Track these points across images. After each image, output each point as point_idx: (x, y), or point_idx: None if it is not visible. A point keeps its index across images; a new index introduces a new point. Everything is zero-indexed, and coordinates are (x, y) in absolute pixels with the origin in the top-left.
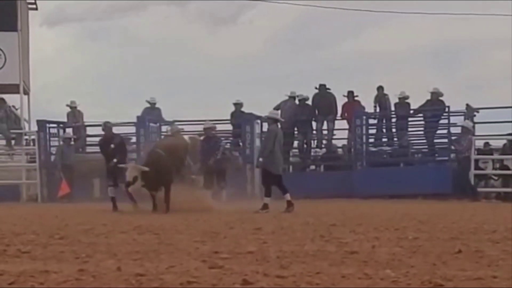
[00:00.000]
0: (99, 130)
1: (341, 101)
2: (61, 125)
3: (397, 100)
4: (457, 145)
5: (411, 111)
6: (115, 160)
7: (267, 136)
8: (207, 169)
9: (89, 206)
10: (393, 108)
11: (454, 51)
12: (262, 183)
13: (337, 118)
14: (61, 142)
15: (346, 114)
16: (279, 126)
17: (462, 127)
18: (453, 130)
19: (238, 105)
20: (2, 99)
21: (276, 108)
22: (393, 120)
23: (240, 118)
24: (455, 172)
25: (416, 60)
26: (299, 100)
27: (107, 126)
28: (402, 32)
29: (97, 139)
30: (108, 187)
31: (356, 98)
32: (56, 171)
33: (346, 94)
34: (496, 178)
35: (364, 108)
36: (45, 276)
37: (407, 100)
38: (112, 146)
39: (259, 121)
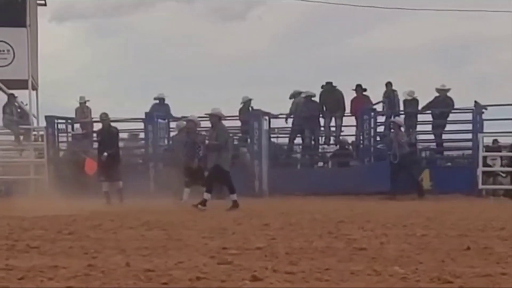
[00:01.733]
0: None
1: (349, 96)
2: (70, 121)
3: (407, 98)
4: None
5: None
6: (105, 153)
7: (221, 134)
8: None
9: (98, 201)
10: (401, 105)
11: (463, 48)
12: (207, 179)
13: (346, 114)
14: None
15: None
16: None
17: (393, 123)
18: (461, 127)
19: (247, 101)
20: (12, 95)
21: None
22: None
23: (247, 114)
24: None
25: (425, 57)
26: (305, 97)
27: (106, 118)
28: (410, 29)
29: None
30: (100, 182)
31: (365, 94)
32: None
33: (354, 88)
34: (504, 175)
35: (372, 103)
36: (54, 271)
37: (416, 97)
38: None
39: (267, 117)
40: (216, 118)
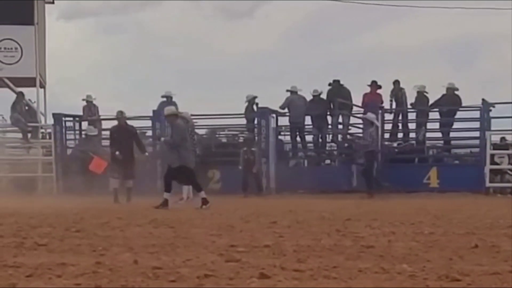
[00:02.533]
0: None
1: (362, 90)
2: (77, 119)
3: (415, 94)
4: (363, 140)
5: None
6: (117, 152)
7: (176, 132)
8: None
9: (105, 199)
10: (409, 103)
11: (471, 45)
12: (165, 179)
13: (353, 112)
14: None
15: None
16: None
17: (365, 119)
18: (468, 125)
19: (251, 99)
20: (21, 93)
21: (283, 107)
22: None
23: (252, 113)
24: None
25: (433, 55)
26: (313, 95)
27: (122, 116)
28: (418, 26)
29: None
30: (111, 178)
31: (378, 91)
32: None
33: (369, 83)
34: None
35: (382, 102)
36: (62, 268)
37: (426, 92)
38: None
39: (274, 115)
40: (172, 117)
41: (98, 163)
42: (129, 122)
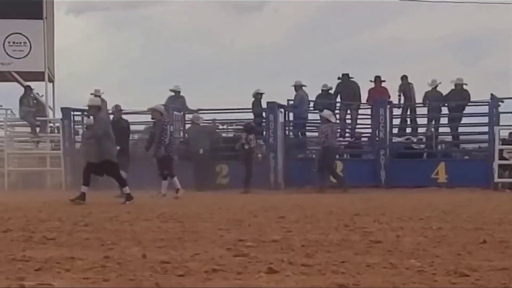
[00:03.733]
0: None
1: (367, 87)
2: (85, 113)
3: (429, 89)
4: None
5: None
6: (118, 147)
7: (99, 125)
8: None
9: (114, 193)
10: (417, 98)
11: (480, 40)
12: (84, 173)
13: (361, 105)
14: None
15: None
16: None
17: (321, 116)
18: (477, 120)
19: (257, 95)
20: (29, 87)
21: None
22: (419, 109)
23: (259, 107)
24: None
25: (441, 49)
26: (322, 90)
27: (116, 110)
28: (427, 21)
29: None
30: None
31: (383, 85)
32: None
33: (373, 79)
34: None
35: (389, 96)
36: (70, 262)
37: (438, 86)
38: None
39: (282, 110)
40: (95, 109)
41: None
42: (138, 116)
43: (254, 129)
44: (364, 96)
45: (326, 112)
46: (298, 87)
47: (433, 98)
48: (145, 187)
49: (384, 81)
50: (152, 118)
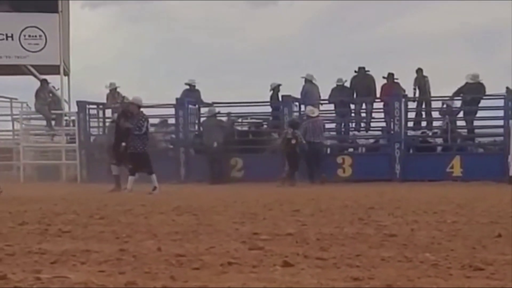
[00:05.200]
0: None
1: (380, 82)
2: (101, 106)
3: (469, 81)
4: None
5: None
6: (123, 143)
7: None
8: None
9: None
10: (432, 91)
11: (495, 33)
12: None
13: (376, 100)
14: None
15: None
16: None
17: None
18: (492, 113)
19: (275, 87)
20: (45, 80)
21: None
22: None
23: (276, 101)
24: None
25: (457, 42)
26: (337, 84)
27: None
28: (442, 13)
29: None
30: (111, 165)
31: (396, 81)
32: None
33: (386, 76)
34: None
35: (404, 90)
36: (86, 255)
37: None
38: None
39: (297, 103)
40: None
41: None
42: (152, 110)
43: (298, 124)
44: (377, 92)
45: (308, 108)
46: (307, 80)
47: (473, 91)
48: (161, 180)
49: (397, 78)
50: (130, 112)
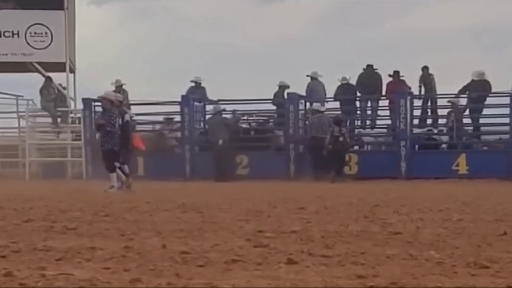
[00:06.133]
0: (144, 109)
1: (386, 80)
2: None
3: (475, 78)
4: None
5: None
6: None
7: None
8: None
9: (133, 184)
10: (437, 89)
11: (501, 30)
12: None
13: (382, 97)
14: None
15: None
16: None
17: (311, 109)
18: (498, 111)
19: (282, 86)
20: (49, 77)
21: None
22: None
23: (281, 98)
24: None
25: (463, 40)
26: (341, 83)
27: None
28: (448, 10)
29: (141, 117)
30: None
31: (401, 78)
32: None
33: (391, 73)
34: None
35: (410, 88)
36: (91, 252)
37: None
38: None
39: (302, 101)
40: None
41: (139, 139)
42: (157, 107)
43: (342, 121)
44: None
45: (316, 104)
46: (312, 77)
47: (479, 89)
48: (166, 177)
49: (402, 76)
50: (102, 107)
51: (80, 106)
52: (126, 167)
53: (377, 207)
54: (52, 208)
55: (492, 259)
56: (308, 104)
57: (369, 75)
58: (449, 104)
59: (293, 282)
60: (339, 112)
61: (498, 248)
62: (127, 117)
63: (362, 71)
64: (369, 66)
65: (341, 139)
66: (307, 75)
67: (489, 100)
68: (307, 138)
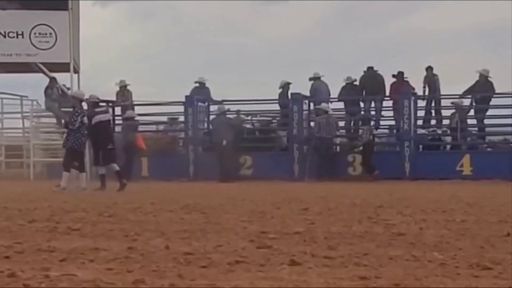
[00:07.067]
0: (147, 109)
1: (389, 81)
2: (110, 104)
3: (477, 77)
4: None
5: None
6: (110, 145)
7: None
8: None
9: (137, 185)
10: (442, 89)
11: (506, 31)
12: None
13: (385, 98)
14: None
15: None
16: None
17: (318, 108)
18: (502, 112)
19: (285, 85)
20: (54, 78)
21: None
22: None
23: (285, 99)
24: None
25: (467, 40)
26: (346, 83)
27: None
28: (452, 11)
29: (146, 118)
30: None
31: (405, 79)
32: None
33: (396, 74)
34: None
35: (413, 88)
36: (95, 253)
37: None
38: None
39: (307, 101)
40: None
41: (141, 139)
42: (161, 108)
43: (370, 120)
44: (387, 90)
45: (323, 104)
46: (315, 78)
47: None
48: (170, 178)
49: (406, 77)
50: (72, 107)
51: (84, 106)
52: (115, 166)
53: (380, 208)
54: (56, 209)
55: (495, 260)
56: (312, 104)
57: (372, 76)
58: (453, 105)
59: (296, 284)
60: (343, 113)
61: (501, 250)
62: (98, 118)
63: (363, 73)
64: (370, 68)
65: (370, 137)
66: (310, 79)
67: (494, 101)
68: (313, 138)
